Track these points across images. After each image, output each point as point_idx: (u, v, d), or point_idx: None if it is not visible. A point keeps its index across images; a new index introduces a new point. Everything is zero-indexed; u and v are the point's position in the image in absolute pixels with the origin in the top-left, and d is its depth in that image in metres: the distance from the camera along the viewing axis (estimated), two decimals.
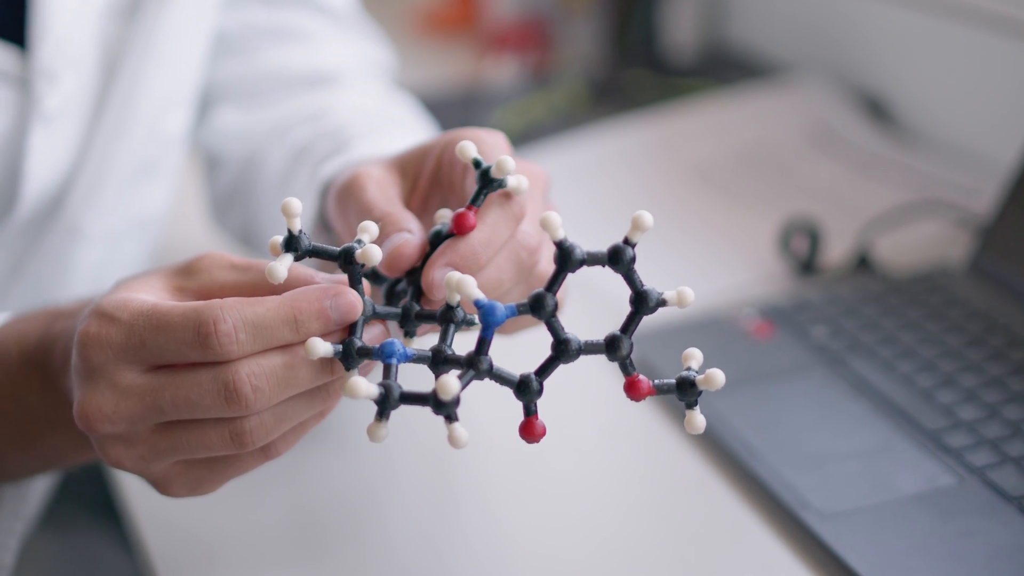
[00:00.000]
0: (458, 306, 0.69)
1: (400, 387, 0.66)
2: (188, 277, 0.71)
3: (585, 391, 1.01)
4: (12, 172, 0.94)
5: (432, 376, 0.67)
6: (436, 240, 0.73)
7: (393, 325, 0.72)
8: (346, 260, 0.68)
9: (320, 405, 0.70)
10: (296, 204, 0.67)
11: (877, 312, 1.08)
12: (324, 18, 1.14)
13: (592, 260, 0.66)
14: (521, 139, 1.50)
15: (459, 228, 0.71)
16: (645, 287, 0.66)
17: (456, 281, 0.66)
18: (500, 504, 0.91)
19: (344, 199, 0.79)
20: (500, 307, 0.65)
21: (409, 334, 0.73)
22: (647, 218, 0.66)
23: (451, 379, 0.64)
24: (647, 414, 0.99)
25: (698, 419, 0.67)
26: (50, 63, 0.92)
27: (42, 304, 1.02)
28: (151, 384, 0.67)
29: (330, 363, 0.68)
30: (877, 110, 1.50)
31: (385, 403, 0.65)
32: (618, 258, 0.66)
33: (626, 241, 0.66)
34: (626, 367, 0.68)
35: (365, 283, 0.70)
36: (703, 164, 1.42)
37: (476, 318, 0.69)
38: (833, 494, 0.87)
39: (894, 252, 1.20)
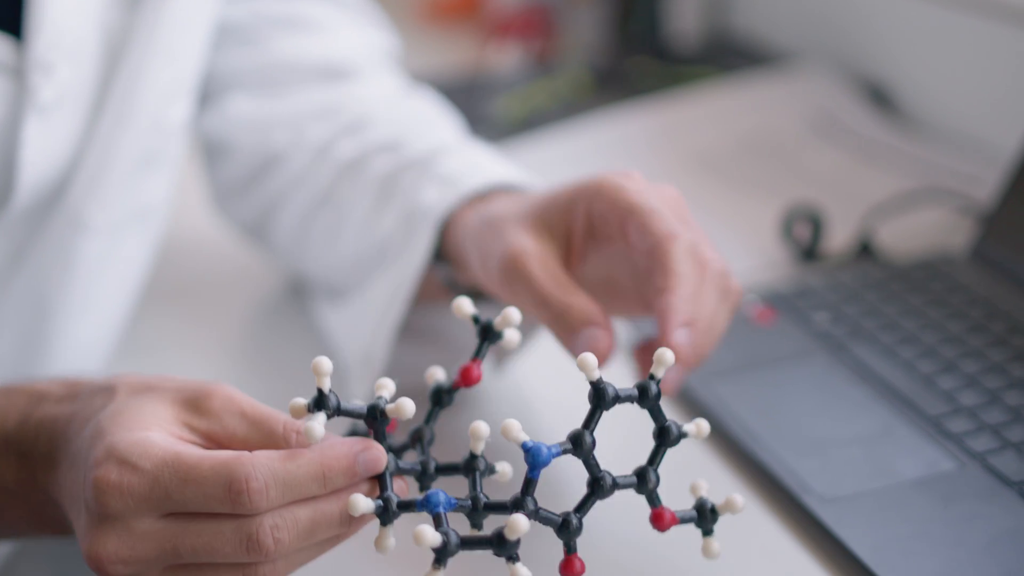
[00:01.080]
0: (481, 455, 0.72)
1: (458, 533, 0.68)
2: (197, 415, 0.71)
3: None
4: (7, 163, 0.94)
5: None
6: (436, 396, 0.77)
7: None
8: (372, 416, 0.70)
9: (331, 546, 0.71)
10: (327, 363, 0.68)
11: (879, 298, 1.08)
12: (333, 6, 1.14)
13: (624, 398, 0.70)
14: (524, 126, 1.50)
15: (466, 381, 0.75)
16: (667, 422, 0.72)
17: (503, 428, 0.68)
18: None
19: (511, 281, 0.83)
20: (545, 449, 0.67)
21: (425, 487, 0.76)
22: (668, 356, 0.70)
23: (522, 519, 0.66)
24: None
25: (714, 547, 0.74)
26: (45, 54, 0.92)
27: (40, 295, 1.01)
28: (170, 530, 0.67)
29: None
30: (879, 98, 1.50)
31: (444, 551, 0.67)
32: (645, 395, 0.70)
33: (651, 377, 0.71)
34: (652, 499, 0.73)
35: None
36: (706, 152, 1.42)
37: (496, 467, 0.74)
38: (834, 478, 0.87)
39: (896, 239, 1.20)
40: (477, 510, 0.71)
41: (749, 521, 0.85)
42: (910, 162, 1.35)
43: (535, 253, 0.83)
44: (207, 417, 0.71)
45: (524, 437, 0.68)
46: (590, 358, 0.69)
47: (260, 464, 0.66)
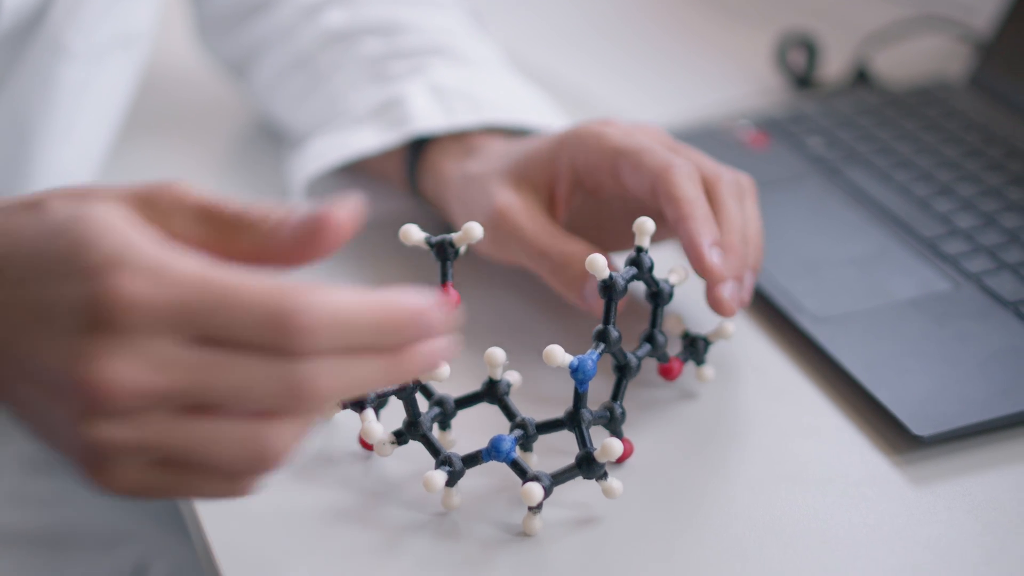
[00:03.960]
0: (501, 379, 0.72)
1: (548, 476, 0.68)
2: (151, 211, 0.57)
3: None
4: None
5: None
6: (441, 250, 0.74)
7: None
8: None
9: None
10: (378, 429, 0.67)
11: (874, 123, 1.07)
12: None
13: (628, 280, 0.72)
14: None
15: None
16: (660, 286, 0.75)
17: (545, 355, 0.67)
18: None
19: (500, 237, 0.82)
20: (590, 362, 0.68)
21: (445, 426, 0.75)
22: (648, 224, 0.73)
23: (615, 441, 0.67)
24: None
25: (708, 373, 0.79)
26: None
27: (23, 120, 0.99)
28: (197, 359, 0.54)
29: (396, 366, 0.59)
30: None
31: (544, 497, 0.68)
32: (641, 267, 0.73)
33: (638, 249, 0.73)
34: (662, 358, 0.77)
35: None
36: None
37: (509, 381, 0.73)
38: (828, 298, 0.86)
39: (892, 67, 1.18)
40: (529, 435, 0.71)
41: (740, 338, 0.84)
42: None
43: (521, 207, 0.82)
44: (158, 215, 0.57)
45: (569, 358, 0.67)
46: (599, 259, 0.70)
47: (314, 298, 0.54)
